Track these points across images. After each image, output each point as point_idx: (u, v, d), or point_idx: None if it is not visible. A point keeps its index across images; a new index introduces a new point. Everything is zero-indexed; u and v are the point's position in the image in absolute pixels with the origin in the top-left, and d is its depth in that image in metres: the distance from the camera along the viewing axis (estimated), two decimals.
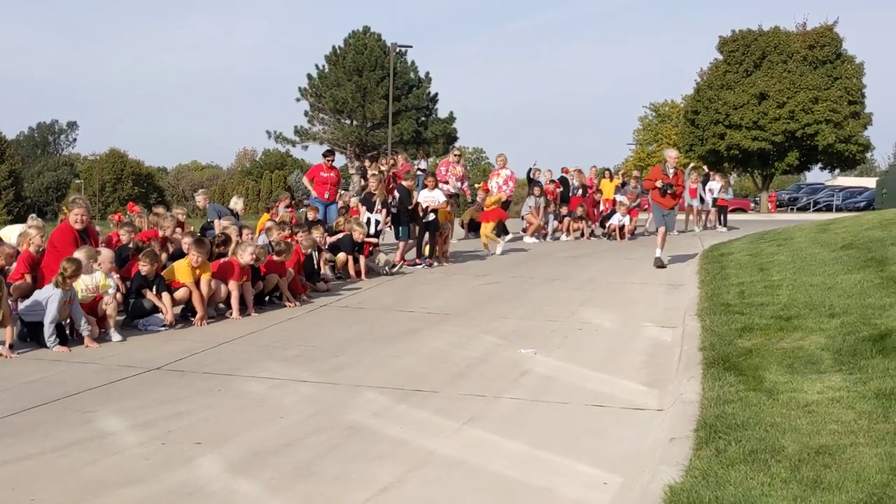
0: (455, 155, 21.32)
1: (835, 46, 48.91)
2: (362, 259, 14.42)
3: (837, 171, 56.38)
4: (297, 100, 56.18)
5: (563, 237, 22.63)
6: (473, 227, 20.60)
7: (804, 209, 51.90)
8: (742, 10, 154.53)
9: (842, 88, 47.70)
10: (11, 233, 12.15)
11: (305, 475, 5.32)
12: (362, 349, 9.12)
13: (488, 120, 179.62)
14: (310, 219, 15.97)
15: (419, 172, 19.34)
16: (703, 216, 26.27)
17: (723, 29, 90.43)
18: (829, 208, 49.92)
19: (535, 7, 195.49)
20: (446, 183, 19.14)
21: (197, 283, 10.49)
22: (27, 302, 9.19)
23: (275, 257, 11.69)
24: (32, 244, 10.65)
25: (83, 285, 9.41)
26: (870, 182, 58.78)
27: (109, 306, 9.50)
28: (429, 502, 4.96)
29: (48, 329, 8.83)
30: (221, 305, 11.21)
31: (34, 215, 13.02)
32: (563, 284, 13.78)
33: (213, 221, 15.34)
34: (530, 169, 23.36)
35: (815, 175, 65.89)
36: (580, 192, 24.03)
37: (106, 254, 10.12)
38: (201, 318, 10.40)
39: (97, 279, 9.64)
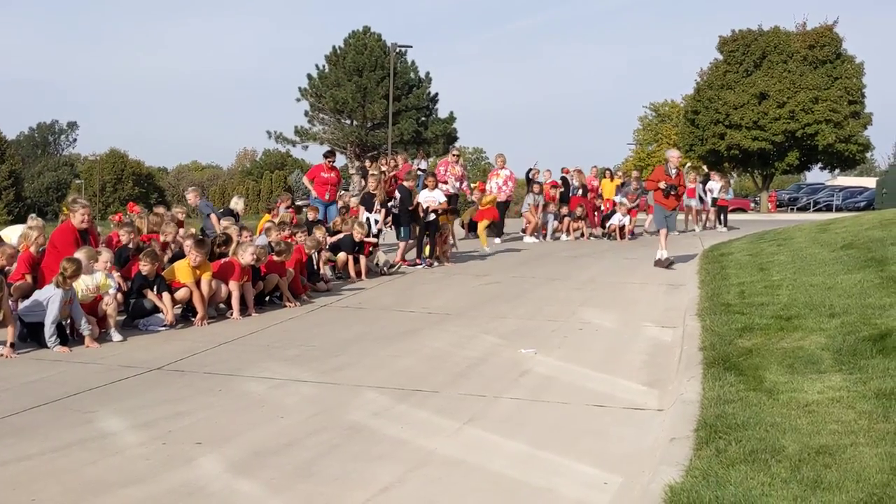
0: (454, 155, 21.32)
1: (835, 46, 48.92)
2: (362, 259, 14.43)
3: (837, 170, 56.40)
4: (298, 100, 56.21)
5: (563, 237, 22.62)
6: (473, 228, 20.59)
7: (804, 209, 51.91)
8: (742, 10, 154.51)
9: (842, 88, 47.71)
10: (12, 233, 12.15)
11: (306, 475, 5.32)
12: (363, 349, 9.13)
13: (488, 120, 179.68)
14: (310, 219, 15.97)
15: (419, 172, 19.32)
16: (704, 216, 26.29)
17: (723, 29, 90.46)
18: (829, 208, 49.92)
19: (534, 7, 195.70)
20: (445, 183, 19.14)
21: (197, 283, 10.50)
22: (27, 302, 9.19)
23: (275, 257, 11.70)
24: (33, 244, 10.66)
25: (83, 285, 9.41)
26: (870, 182, 58.78)
27: (110, 306, 9.50)
28: (429, 502, 4.97)
29: (49, 329, 8.83)
30: (222, 305, 11.21)
31: (34, 215, 13.01)
32: (564, 284, 13.78)
33: (209, 216, 15.43)
34: (529, 169, 23.36)
35: (815, 175, 65.90)
36: (580, 192, 24.03)
37: (105, 254, 10.13)
38: (202, 318, 10.40)
39: (98, 279, 9.64)
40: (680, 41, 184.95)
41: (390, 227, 17.36)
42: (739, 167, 54.97)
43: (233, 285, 10.87)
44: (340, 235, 14.77)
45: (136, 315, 10.22)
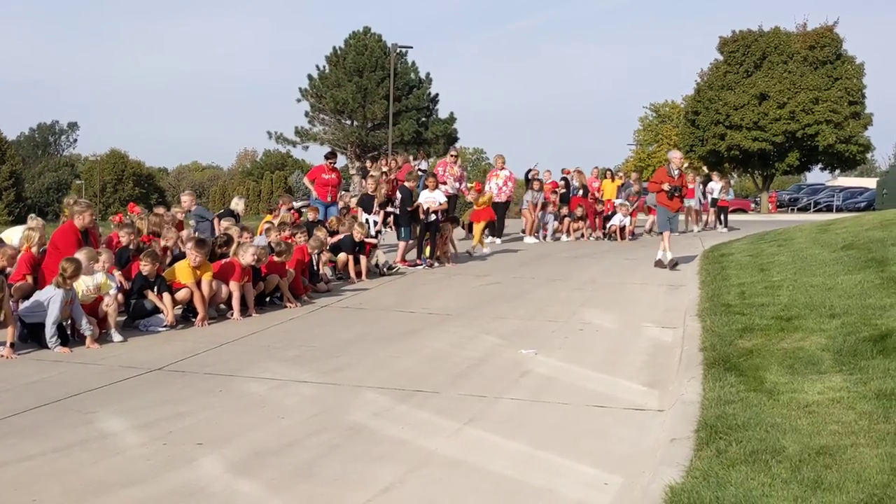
0: (452, 155, 21.34)
1: (835, 47, 48.88)
2: (363, 259, 14.43)
3: (838, 171, 56.30)
4: (298, 100, 56.19)
5: (564, 237, 22.62)
6: (489, 226, 20.57)
7: (805, 210, 51.90)
8: (742, 10, 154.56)
9: (842, 89, 47.67)
10: (13, 235, 12.15)
11: (306, 475, 5.33)
12: (363, 350, 9.13)
13: (489, 120, 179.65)
14: (310, 219, 15.97)
15: (420, 173, 19.33)
16: (706, 216, 26.30)
17: (723, 29, 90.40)
18: (829, 209, 49.91)
19: (534, 7, 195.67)
20: (444, 184, 19.16)
21: (198, 283, 10.50)
22: (28, 303, 9.20)
23: (275, 258, 11.70)
24: (34, 245, 10.67)
25: (84, 286, 9.41)
26: (870, 182, 58.77)
27: (111, 307, 9.51)
28: (430, 503, 4.97)
29: (50, 330, 8.84)
30: (222, 306, 11.22)
31: (33, 215, 12.98)
32: (564, 285, 13.78)
33: (205, 221, 15.39)
34: (529, 170, 23.36)
35: (816, 175, 65.82)
36: (580, 192, 24.03)
37: (106, 255, 10.13)
38: (202, 319, 10.40)
39: (98, 280, 9.65)
40: (680, 42, 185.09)
41: (391, 227, 17.39)
42: (740, 168, 54.92)
43: (233, 286, 10.87)
44: (340, 236, 14.77)
45: (136, 316, 10.23)
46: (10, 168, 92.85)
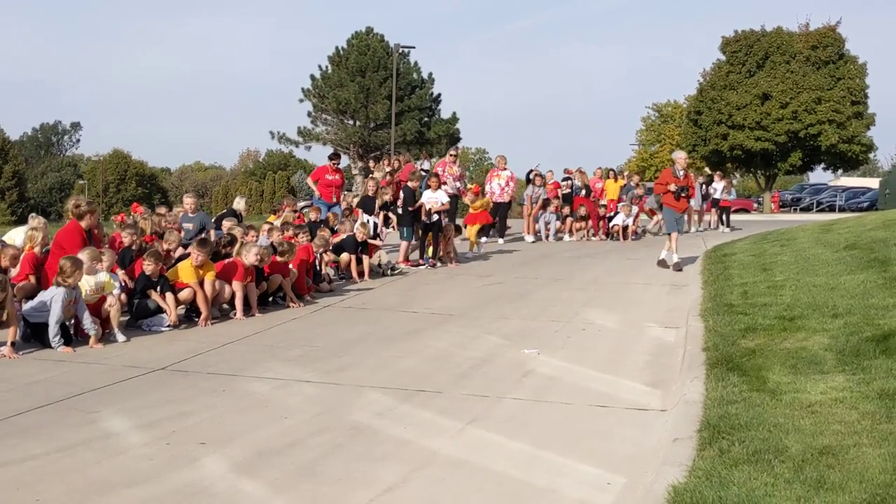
0: (451, 155, 21.36)
1: (837, 47, 48.87)
2: (365, 259, 14.44)
3: (840, 171, 56.27)
4: (301, 101, 56.24)
5: (566, 237, 22.62)
6: (483, 228, 20.56)
7: (807, 209, 51.84)
8: (745, 10, 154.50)
9: (844, 89, 47.66)
10: (16, 236, 12.16)
11: (309, 475, 5.33)
12: (366, 349, 9.14)
13: (491, 120, 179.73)
14: (312, 219, 15.99)
15: (422, 173, 19.35)
16: (709, 217, 26.31)
17: (725, 29, 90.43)
18: (832, 209, 49.87)
19: (537, 7, 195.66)
20: (444, 184, 19.17)
21: (201, 283, 10.51)
22: (32, 303, 9.21)
23: (278, 258, 11.71)
24: (37, 245, 10.68)
25: (87, 286, 9.42)
26: (873, 182, 58.74)
27: (114, 307, 9.52)
28: (432, 502, 4.97)
29: (52, 329, 8.84)
30: (225, 306, 11.23)
31: (34, 214, 12.97)
32: (567, 285, 13.78)
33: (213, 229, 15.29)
34: (530, 171, 23.35)
35: (818, 175, 65.79)
36: (583, 192, 24.04)
37: (108, 254, 10.14)
38: (205, 319, 10.41)
39: (101, 280, 9.66)
40: (682, 41, 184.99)
41: (394, 228, 17.43)
42: (742, 168, 54.93)
43: (236, 286, 10.88)
44: (343, 236, 14.79)
45: (139, 315, 10.24)
46: (13, 168, 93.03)
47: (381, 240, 16.56)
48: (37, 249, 10.68)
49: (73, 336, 9.29)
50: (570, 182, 24.13)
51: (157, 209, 15.73)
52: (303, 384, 7.62)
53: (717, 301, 10.48)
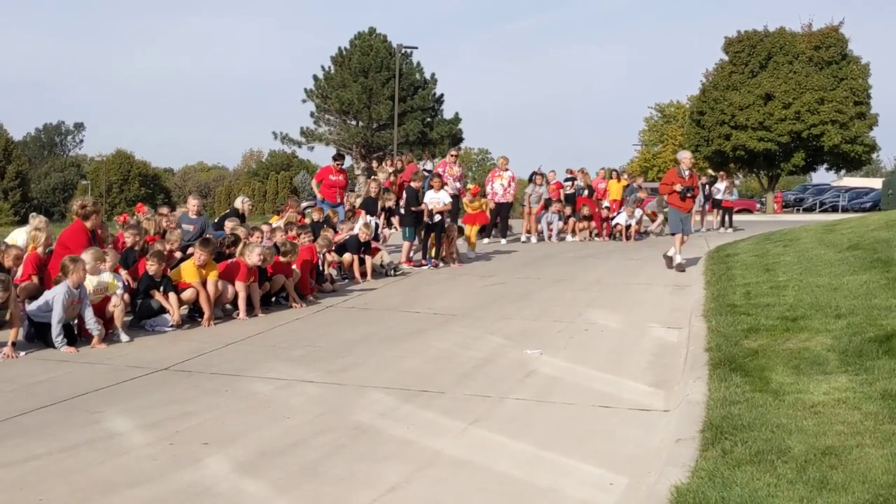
0: (452, 155, 21.39)
1: (840, 47, 48.78)
2: (368, 260, 14.45)
3: (843, 171, 56.17)
4: (303, 101, 56.24)
5: (569, 238, 22.62)
6: (481, 228, 20.61)
7: (810, 210, 51.79)
8: (747, 10, 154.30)
9: (847, 89, 47.57)
10: (18, 236, 12.17)
11: (312, 475, 5.34)
12: (368, 350, 9.14)
13: (494, 121, 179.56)
14: (315, 219, 16.00)
15: (425, 173, 19.38)
16: (712, 218, 26.32)
17: (728, 29, 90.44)
18: (834, 209, 49.82)
19: (539, 7, 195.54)
20: (445, 184, 19.19)
21: (204, 283, 10.52)
22: (37, 302, 9.21)
23: (281, 258, 11.73)
24: (40, 246, 10.69)
25: (91, 286, 9.43)
26: (876, 183, 58.61)
27: (118, 307, 9.53)
28: (435, 503, 4.98)
29: (55, 329, 8.86)
30: (228, 306, 11.24)
31: (34, 214, 12.97)
32: (569, 285, 13.79)
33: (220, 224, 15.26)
34: (533, 173, 23.34)
35: (821, 176, 65.91)
36: (585, 192, 24.05)
37: (112, 255, 10.16)
38: (208, 319, 10.43)
39: (105, 280, 9.67)
40: (685, 42, 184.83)
41: (396, 228, 17.46)
42: (745, 168, 54.82)
43: (239, 286, 10.89)
44: (344, 235, 14.81)
45: (142, 315, 10.25)
46: (17, 168, 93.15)
47: (384, 239, 16.59)
48: (40, 250, 10.69)
49: (77, 336, 9.29)
50: (573, 182, 24.14)
51: (160, 209, 15.73)
52: (306, 384, 7.63)
53: (719, 301, 10.47)
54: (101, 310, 9.47)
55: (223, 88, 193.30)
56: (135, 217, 14.05)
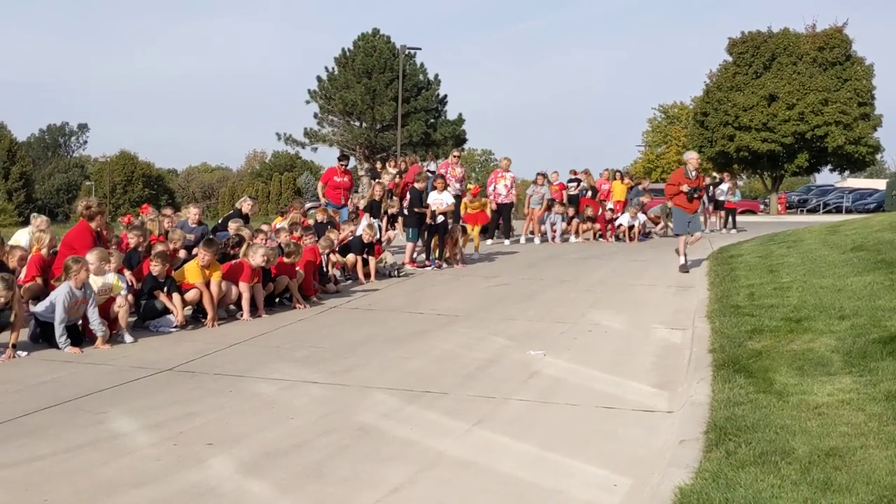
0: (454, 156, 21.40)
1: (844, 48, 48.73)
2: (372, 261, 14.46)
3: (847, 172, 56.13)
4: (307, 102, 56.29)
5: (573, 239, 22.61)
6: (483, 229, 20.63)
7: (814, 211, 51.75)
8: (751, 11, 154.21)
9: (851, 90, 47.53)
10: (21, 237, 12.20)
11: (316, 476, 5.34)
12: (372, 350, 9.15)
13: (497, 122, 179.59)
14: (319, 220, 16.01)
15: (429, 174, 19.41)
16: (717, 220, 26.33)
17: (732, 30, 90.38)
18: (838, 210, 49.76)
19: (543, 8, 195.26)
20: (447, 186, 19.22)
21: (207, 284, 10.53)
22: (44, 303, 9.21)
23: (285, 259, 11.74)
24: (44, 247, 10.71)
25: (95, 287, 9.44)
26: (880, 184, 58.56)
27: (122, 308, 9.54)
28: (439, 503, 4.98)
29: (58, 329, 8.87)
30: (232, 307, 11.25)
31: (35, 214, 13.00)
32: (573, 286, 13.78)
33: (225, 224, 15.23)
34: (538, 174, 23.33)
35: (825, 177, 65.79)
36: (588, 193, 24.04)
37: (116, 255, 10.18)
38: (212, 320, 10.43)
39: (109, 280, 9.68)
40: (689, 43, 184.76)
41: (402, 231, 17.51)
42: (749, 169, 54.82)
43: (243, 286, 10.90)
44: (349, 237, 14.82)
45: (146, 316, 10.26)
46: (21, 169, 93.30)
47: (388, 240, 16.61)
48: (44, 251, 10.71)
49: (82, 337, 9.29)
50: (578, 184, 24.13)
51: (163, 210, 15.74)
52: (309, 385, 7.63)
53: (723, 302, 10.47)
54: (105, 310, 9.48)
55: (227, 89, 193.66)
56: (139, 218, 14.06)
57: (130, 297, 10.05)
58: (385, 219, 17.47)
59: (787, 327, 8.53)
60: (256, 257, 11.00)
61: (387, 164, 22.44)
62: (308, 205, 21.18)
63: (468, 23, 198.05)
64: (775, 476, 4.65)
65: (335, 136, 55.50)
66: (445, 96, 57.57)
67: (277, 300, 11.93)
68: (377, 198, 17.72)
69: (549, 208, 22.15)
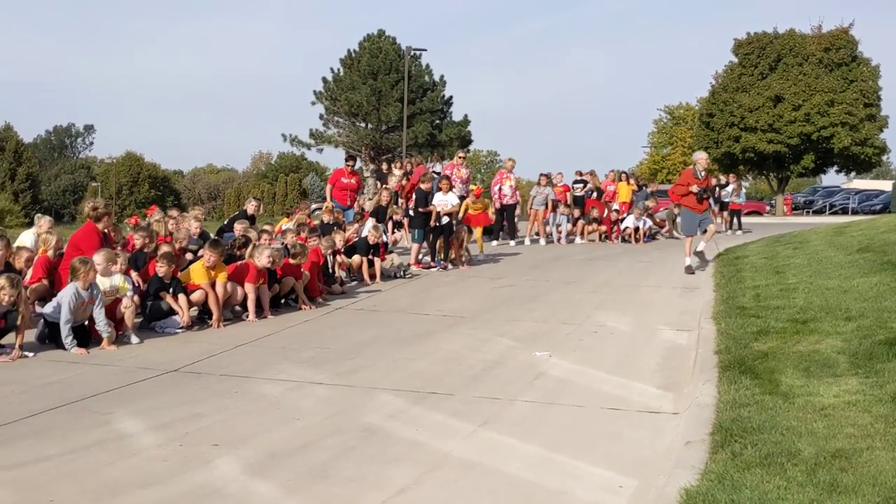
0: (460, 157, 21.40)
1: (850, 49, 48.65)
2: (377, 262, 14.47)
3: (853, 173, 56.06)
4: (313, 103, 56.46)
5: (578, 240, 22.59)
6: (487, 230, 20.65)
7: (820, 212, 51.63)
8: (757, 12, 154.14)
9: (857, 91, 47.46)
10: (26, 239, 12.22)
11: (321, 477, 5.35)
12: (377, 351, 9.15)
13: (502, 123, 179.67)
14: (326, 221, 16.03)
15: (434, 175, 19.44)
16: (724, 221, 26.32)
17: (738, 31, 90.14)
18: (844, 211, 49.65)
19: (548, 9, 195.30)
20: (453, 187, 19.24)
21: (213, 285, 10.55)
22: (52, 303, 9.22)
23: (291, 260, 11.75)
24: (50, 249, 10.73)
25: (102, 288, 9.46)
26: (886, 185, 58.44)
27: (128, 309, 9.55)
28: None
29: (63, 330, 8.88)
30: (238, 308, 11.26)
31: (39, 215, 13.02)
32: (578, 287, 13.77)
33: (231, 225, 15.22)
34: (541, 175, 23.32)
35: (831, 178, 65.74)
36: (594, 194, 24.02)
37: (122, 256, 10.19)
38: (217, 320, 10.44)
39: (116, 282, 9.70)
40: (694, 44, 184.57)
41: (406, 234, 17.54)
42: (755, 170, 54.77)
43: (248, 287, 10.91)
44: (355, 237, 14.84)
45: (153, 317, 10.28)
46: (27, 170, 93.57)
47: (394, 242, 16.62)
48: (50, 253, 10.73)
49: (89, 338, 9.29)
50: (584, 185, 24.11)
51: (170, 212, 15.77)
52: (315, 386, 7.64)
53: (729, 304, 10.46)
54: (111, 311, 9.50)
55: (233, 91, 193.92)
56: (146, 219, 14.09)
57: (136, 297, 10.07)
58: (390, 224, 17.50)
59: (793, 329, 8.52)
60: (262, 258, 11.01)
61: (392, 166, 22.46)
62: (313, 206, 21.21)
63: (474, 24, 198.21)
64: (781, 477, 4.65)
65: (341, 137, 55.63)
66: (451, 97, 57.72)
67: (283, 301, 11.94)
68: (384, 203, 17.74)
69: (554, 209, 22.14)
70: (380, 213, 17.29)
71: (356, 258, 14.36)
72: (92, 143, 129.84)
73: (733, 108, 49.48)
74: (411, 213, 16.66)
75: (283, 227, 13.98)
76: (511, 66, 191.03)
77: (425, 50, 55.55)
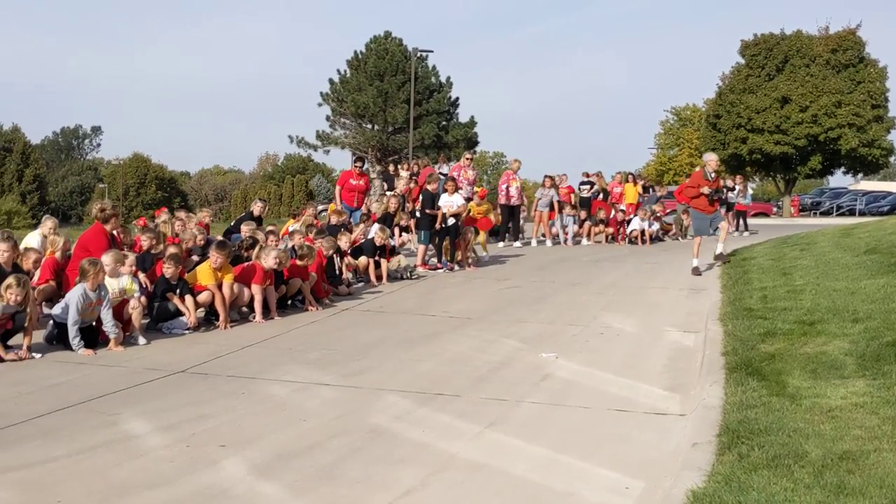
0: (466, 158, 21.43)
1: (858, 50, 48.58)
2: (384, 263, 14.48)
3: (860, 175, 55.98)
4: (319, 104, 56.53)
5: (584, 241, 22.59)
6: (493, 231, 20.65)
7: (827, 213, 51.57)
8: (764, 13, 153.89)
9: (865, 92, 47.37)
10: (32, 239, 12.26)
11: (328, 478, 5.35)
12: (384, 353, 9.15)
13: (509, 124, 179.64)
14: (333, 222, 16.03)
15: (440, 176, 19.44)
16: (730, 222, 26.27)
17: (745, 32, 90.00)
18: (852, 213, 49.59)
19: (554, 11, 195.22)
20: (459, 188, 19.24)
21: (219, 286, 10.56)
22: (60, 304, 9.24)
23: (298, 261, 11.76)
24: (58, 250, 10.76)
25: (110, 289, 9.48)
26: (893, 186, 58.42)
27: (135, 310, 9.57)
28: None
29: (71, 331, 8.90)
30: (245, 309, 11.27)
31: (46, 217, 13.05)
32: (585, 289, 13.76)
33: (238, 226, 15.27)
34: (545, 177, 23.30)
35: (838, 179, 65.61)
36: (600, 196, 24.01)
37: (130, 257, 10.22)
38: (224, 322, 10.46)
39: (123, 283, 9.72)
40: (701, 45, 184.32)
41: (411, 236, 17.55)
42: (762, 171, 54.70)
43: (255, 289, 10.93)
44: (361, 239, 14.85)
45: (159, 318, 10.30)
46: (34, 172, 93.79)
47: (401, 243, 16.63)
48: (58, 255, 10.76)
49: (97, 339, 9.31)
50: (591, 187, 24.09)
51: (177, 213, 15.81)
52: (322, 387, 7.64)
53: (736, 305, 10.44)
54: (118, 313, 9.52)
55: (239, 92, 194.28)
56: (154, 221, 14.13)
57: (144, 299, 10.09)
58: (396, 230, 17.52)
59: (800, 330, 8.50)
60: (269, 259, 11.03)
61: (399, 168, 22.46)
62: (320, 207, 21.24)
63: (480, 26, 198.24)
64: (788, 479, 4.64)
65: (347, 138, 55.68)
66: (457, 99, 57.74)
67: (290, 302, 11.95)
68: (392, 210, 17.74)
69: (560, 210, 22.13)
70: (387, 220, 17.29)
71: (363, 259, 14.37)
72: (99, 145, 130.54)
73: (740, 110, 49.43)
74: (418, 214, 16.67)
75: (291, 229, 13.98)
76: (517, 67, 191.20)
77: (432, 51, 55.80)
